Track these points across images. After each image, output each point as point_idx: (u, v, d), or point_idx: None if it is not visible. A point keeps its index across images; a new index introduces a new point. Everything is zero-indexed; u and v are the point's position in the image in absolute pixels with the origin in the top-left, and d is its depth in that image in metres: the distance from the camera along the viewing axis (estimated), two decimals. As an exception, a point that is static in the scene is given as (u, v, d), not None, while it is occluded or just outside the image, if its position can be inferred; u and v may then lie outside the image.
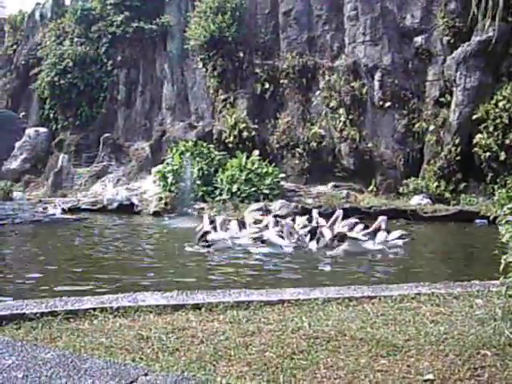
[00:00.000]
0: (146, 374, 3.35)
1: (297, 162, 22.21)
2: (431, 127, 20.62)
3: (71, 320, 4.75)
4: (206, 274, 8.92)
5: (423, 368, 3.68)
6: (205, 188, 20.53)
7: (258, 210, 17.15)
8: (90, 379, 3.24)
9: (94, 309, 4.94)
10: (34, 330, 4.48)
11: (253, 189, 19.71)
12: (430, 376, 3.52)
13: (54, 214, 19.12)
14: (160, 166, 22.28)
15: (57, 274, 8.92)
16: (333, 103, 21.94)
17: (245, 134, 22.37)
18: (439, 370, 3.62)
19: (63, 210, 20.84)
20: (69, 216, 19.39)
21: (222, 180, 20.37)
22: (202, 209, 19.13)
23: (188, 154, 21.33)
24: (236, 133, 22.43)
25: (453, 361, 3.80)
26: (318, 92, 22.60)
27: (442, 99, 20.87)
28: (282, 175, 21.08)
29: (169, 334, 4.42)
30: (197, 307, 5.18)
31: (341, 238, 11.08)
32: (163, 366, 3.69)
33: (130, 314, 4.95)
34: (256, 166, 20.40)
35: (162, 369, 3.59)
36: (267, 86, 23.42)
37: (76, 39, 29.00)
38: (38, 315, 4.72)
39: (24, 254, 11.63)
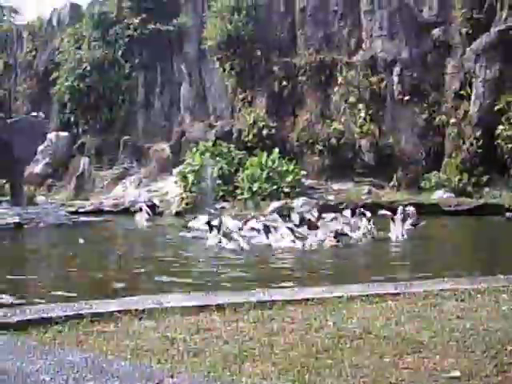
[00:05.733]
0: (171, 376, 3.38)
1: (317, 158, 22.15)
2: (452, 120, 20.43)
3: (96, 323, 4.79)
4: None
5: (449, 365, 3.65)
6: (225, 187, 20.58)
7: (280, 208, 17.16)
8: (116, 382, 3.27)
9: (119, 311, 4.99)
10: (61, 333, 4.53)
11: (274, 187, 19.69)
12: (456, 373, 3.49)
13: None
14: (181, 167, 22.39)
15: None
16: (351, 99, 21.84)
17: (264, 132, 22.38)
18: (465, 367, 3.58)
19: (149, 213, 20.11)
20: (92, 218, 19.58)
21: (242, 179, 20.39)
22: (223, 208, 19.18)
23: (208, 154, 21.39)
24: (255, 131, 22.46)
25: (479, 357, 3.76)
26: (336, 88, 22.51)
27: (462, 92, 20.66)
28: (303, 173, 21.01)
29: (193, 335, 4.44)
30: (221, 307, 5.21)
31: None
32: (188, 367, 3.71)
33: (154, 315, 4.99)
34: (276, 164, 20.38)
35: (187, 370, 3.61)
36: (285, 83, 23.40)
37: (94, 43, 29.22)
38: (63, 318, 4.78)
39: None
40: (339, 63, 22.65)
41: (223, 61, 24.41)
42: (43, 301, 6.23)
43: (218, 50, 24.29)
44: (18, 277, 9.03)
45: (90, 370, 3.48)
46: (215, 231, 12.07)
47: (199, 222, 13.99)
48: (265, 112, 23.06)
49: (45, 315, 4.82)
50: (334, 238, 11.49)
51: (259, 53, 23.78)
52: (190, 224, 14.39)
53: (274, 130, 22.55)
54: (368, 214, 13.23)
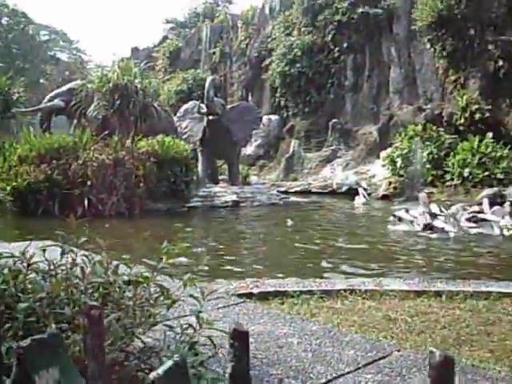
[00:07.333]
0: (398, 350, 3.88)
1: (535, 144, 20.80)
2: None
3: (325, 299, 5.45)
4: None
5: None
6: (434, 172, 20.33)
7: (492, 195, 16.58)
8: (351, 350, 3.85)
9: (345, 290, 5.60)
10: (296, 306, 5.25)
11: (486, 173, 19.00)
12: None
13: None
14: (389, 150, 22.54)
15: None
16: None
17: (477, 115, 21.54)
18: None
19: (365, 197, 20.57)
20: (301, 199, 20.68)
21: (452, 164, 19.97)
22: (432, 193, 19.03)
23: (417, 138, 21.25)
24: (467, 115, 21.71)
25: None
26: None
27: None
28: (519, 158, 19.94)
29: (413, 317, 4.89)
30: (438, 294, 5.57)
31: None
32: (412, 345, 4.17)
33: (376, 297, 5.52)
34: (490, 149, 19.59)
35: (411, 347, 4.08)
36: (501, 63, 22.21)
37: (303, 29, 30.37)
38: (297, 293, 5.51)
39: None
40: None
41: (434, 41, 23.86)
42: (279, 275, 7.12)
43: (428, 30, 23.78)
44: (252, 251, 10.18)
45: (327, 338, 4.11)
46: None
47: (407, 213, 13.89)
48: (478, 94, 22.15)
49: (281, 289, 5.60)
50: None
51: (473, 32, 22.85)
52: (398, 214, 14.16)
53: (487, 114, 21.60)
54: None
